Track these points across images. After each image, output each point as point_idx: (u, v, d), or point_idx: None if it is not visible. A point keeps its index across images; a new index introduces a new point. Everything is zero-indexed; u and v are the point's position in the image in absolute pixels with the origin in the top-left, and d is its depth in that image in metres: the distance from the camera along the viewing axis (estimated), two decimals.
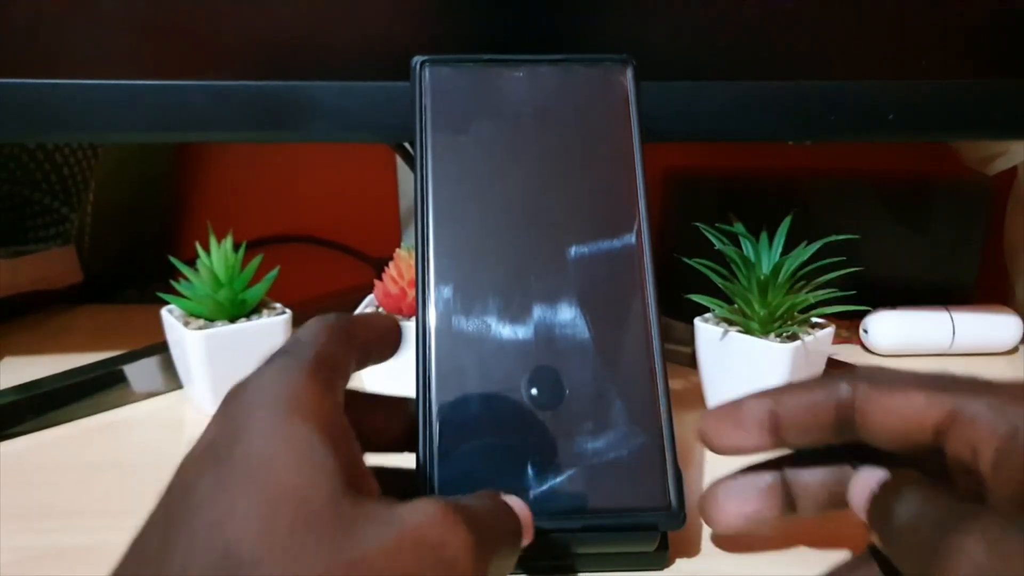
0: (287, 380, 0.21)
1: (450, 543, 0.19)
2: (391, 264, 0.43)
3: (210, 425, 0.21)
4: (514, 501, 0.24)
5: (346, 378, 0.24)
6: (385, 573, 0.18)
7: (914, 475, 0.24)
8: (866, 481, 0.24)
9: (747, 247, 0.42)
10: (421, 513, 0.20)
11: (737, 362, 0.40)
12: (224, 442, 0.20)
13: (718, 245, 0.42)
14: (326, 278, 0.64)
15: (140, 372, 0.44)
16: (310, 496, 0.19)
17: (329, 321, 0.25)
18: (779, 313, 0.40)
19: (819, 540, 0.31)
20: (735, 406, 0.28)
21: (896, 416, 0.24)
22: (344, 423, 0.22)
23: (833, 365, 0.45)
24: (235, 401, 0.21)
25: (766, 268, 0.40)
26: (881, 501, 0.23)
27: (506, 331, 0.28)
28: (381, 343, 0.27)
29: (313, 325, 0.25)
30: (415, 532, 0.19)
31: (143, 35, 0.37)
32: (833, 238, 0.41)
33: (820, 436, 0.26)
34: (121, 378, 0.44)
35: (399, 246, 0.45)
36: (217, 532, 0.18)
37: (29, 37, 0.36)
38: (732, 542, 0.31)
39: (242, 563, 0.17)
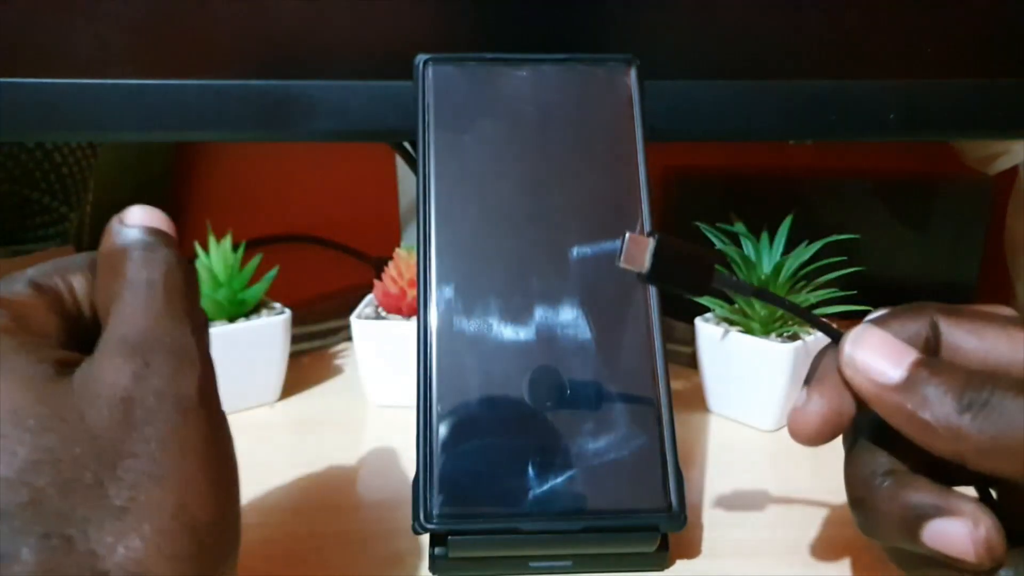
0: None
1: None
2: (391, 264, 0.43)
3: None
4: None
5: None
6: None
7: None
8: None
9: (748, 247, 0.42)
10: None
11: (738, 362, 0.40)
12: None
13: (719, 245, 0.41)
14: (326, 278, 0.64)
15: None
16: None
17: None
18: (780, 313, 0.40)
19: (820, 541, 0.31)
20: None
21: (982, 355, 0.20)
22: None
23: None
24: None
25: (767, 268, 0.40)
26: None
27: (507, 331, 0.28)
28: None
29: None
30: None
31: (143, 34, 0.37)
32: (833, 238, 0.41)
33: None
34: None
35: (399, 246, 0.45)
36: None
37: (29, 36, 0.36)
38: (732, 543, 0.31)
39: None
